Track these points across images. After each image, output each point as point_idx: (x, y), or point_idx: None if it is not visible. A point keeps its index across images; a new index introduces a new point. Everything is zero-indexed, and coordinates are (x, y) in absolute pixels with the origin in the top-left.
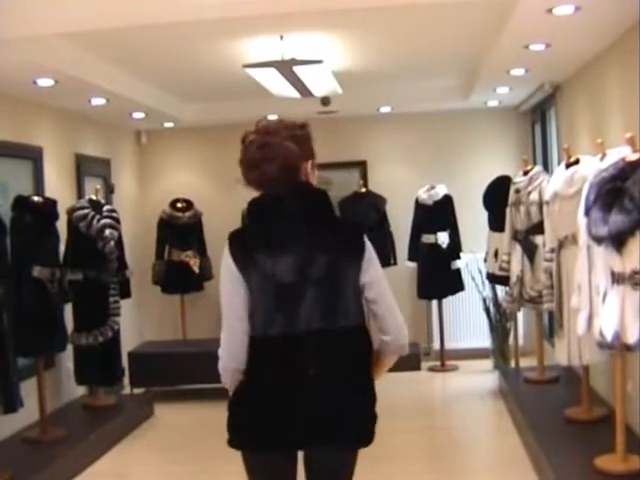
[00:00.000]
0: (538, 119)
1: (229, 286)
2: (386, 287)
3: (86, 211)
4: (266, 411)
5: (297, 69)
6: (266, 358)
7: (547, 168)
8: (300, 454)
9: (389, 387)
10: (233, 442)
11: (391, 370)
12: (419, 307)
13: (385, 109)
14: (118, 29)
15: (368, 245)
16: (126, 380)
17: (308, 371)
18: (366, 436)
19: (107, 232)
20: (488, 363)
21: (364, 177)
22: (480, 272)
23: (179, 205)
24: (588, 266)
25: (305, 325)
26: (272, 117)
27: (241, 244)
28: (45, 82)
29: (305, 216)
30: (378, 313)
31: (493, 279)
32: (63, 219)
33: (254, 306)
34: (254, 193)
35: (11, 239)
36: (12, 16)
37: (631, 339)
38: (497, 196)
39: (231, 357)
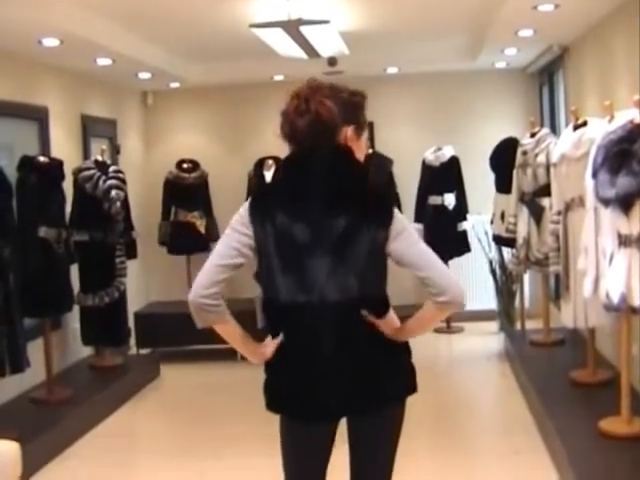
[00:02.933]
0: (546, 81)
1: (232, 235)
2: (424, 252)
3: (92, 172)
4: (295, 380)
5: (304, 29)
6: (287, 328)
7: (554, 130)
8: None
9: None
10: (271, 407)
11: None
12: None
13: (392, 70)
14: None
15: (397, 217)
16: (132, 341)
17: (323, 344)
18: (406, 389)
19: (113, 193)
20: (494, 325)
21: (371, 138)
22: (486, 234)
23: (185, 166)
24: (595, 229)
25: (320, 293)
26: (279, 77)
27: (263, 200)
28: (50, 42)
29: (333, 179)
30: (424, 277)
31: (499, 241)
32: (69, 180)
33: (267, 267)
34: (261, 154)
35: (17, 200)
36: None
37: (637, 301)
38: (504, 158)
39: (197, 287)
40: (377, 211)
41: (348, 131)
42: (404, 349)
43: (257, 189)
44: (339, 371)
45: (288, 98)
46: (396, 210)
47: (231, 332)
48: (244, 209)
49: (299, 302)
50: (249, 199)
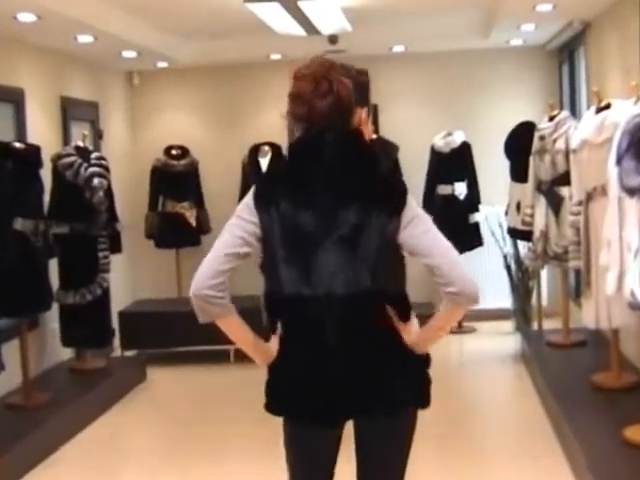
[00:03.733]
0: (566, 60)
1: (238, 224)
2: (437, 239)
3: (72, 159)
4: (297, 380)
5: (302, 4)
6: (289, 324)
7: (575, 113)
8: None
9: None
10: (270, 408)
11: None
12: None
13: (398, 48)
14: None
15: (410, 204)
16: (116, 342)
17: (330, 337)
18: (418, 400)
19: (96, 181)
20: (509, 325)
21: (375, 122)
22: (501, 226)
23: (174, 152)
24: (619, 220)
25: (326, 288)
26: (276, 56)
27: (268, 187)
28: (26, 17)
29: (343, 166)
30: (433, 266)
31: (515, 234)
32: (47, 167)
33: (271, 257)
34: (256, 140)
35: None
36: None
37: None
38: (520, 144)
39: (198, 280)
40: (388, 198)
41: (362, 113)
42: (421, 357)
43: (263, 175)
44: (345, 370)
45: (298, 78)
46: (409, 197)
47: (236, 329)
48: (249, 196)
49: (304, 295)
50: (254, 185)
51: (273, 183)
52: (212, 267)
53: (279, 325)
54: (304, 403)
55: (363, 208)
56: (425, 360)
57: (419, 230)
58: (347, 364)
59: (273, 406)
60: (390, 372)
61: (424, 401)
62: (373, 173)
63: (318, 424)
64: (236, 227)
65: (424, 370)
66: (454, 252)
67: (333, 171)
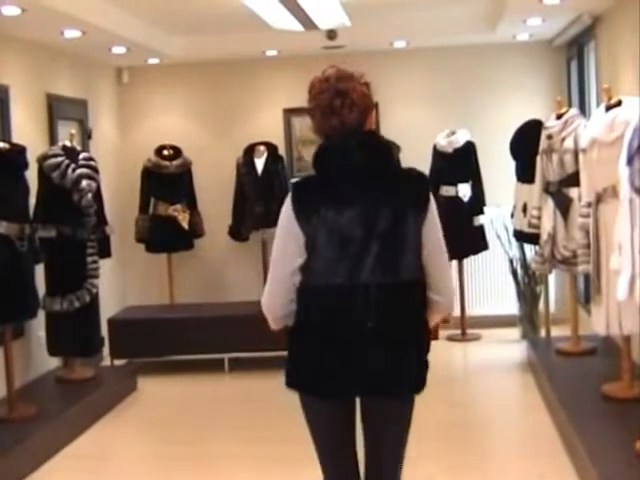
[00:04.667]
0: (575, 55)
1: (286, 236)
2: (442, 245)
3: (60, 159)
4: (324, 358)
5: None
6: (325, 307)
7: (584, 111)
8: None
9: None
10: (291, 384)
11: None
12: None
13: (399, 43)
14: None
15: (432, 197)
16: (106, 350)
17: (367, 323)
18: (419, 384)
19: (84, 183)
20: (515, 332)
21: (375, 121)
22: (506, 229)
23: (166, 153)
24: (630, 222)
25: (368, 277)
26: (272, 52)
27: (306, 195)
28: (10, 10)
29: (370, 168)
30: (431, 271)
31: (521, 237)
32: (33, 168)
33: (316, 257)
34: (251, 139)
35: None
36: None
37: None
38: (526, 143)
39: (279, 303)
40: (416, 194)
41: (373, 116)
42: (427, 345)
43: (296, 184)
44: (372, 352)
45: (322, 92)
46: (432, 200)
47: None
48: (287, 205)
49: (352, 286)
50: (290, 193)
51: (308, 191)
52: (283, 295)
53: (311, 312)
54: (323, 381)
55: (396, 205)
56: (428, 348)
57: (433, 228)
58: (376, 348)
59: (294, 383)
60: (406, 360)
61: (423, 386)
62: (396, 170)
63: (333, 397)
64: (287, 242)
65: (426, 358)
66: (447, 263)
67: (362, 172)
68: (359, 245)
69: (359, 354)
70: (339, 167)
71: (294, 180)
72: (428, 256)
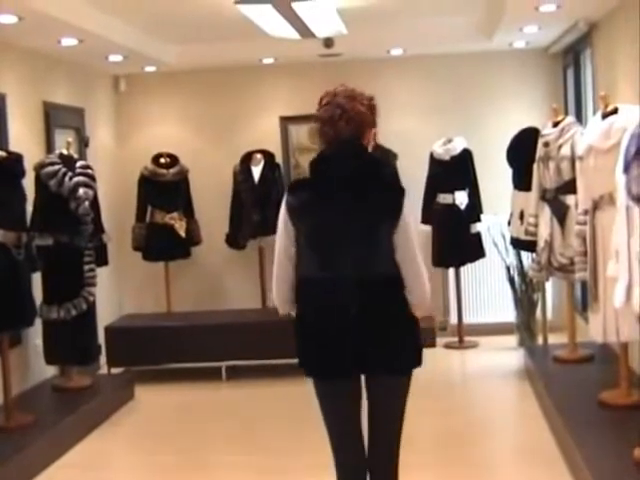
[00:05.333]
0: (571, 62)
1: (282, 230)
2: (414, 251)
3: (57, 167)
4: (325, 346)
5: (296, 6)
6: (312, 296)
7: (580, 118)
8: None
9: None
10: (304, 370)
11: None
12: (434, 276)
13: (396, 51)
14: None
15: (406, 209)
16: (103, 359)
17: (350, 310)
18: (413, 362)
19: (81, 191)
20: (512, 339)
21: (374, 127)
22: (503, 237)
23: (163, 160)
24: (627, 230)
25: (345, 270)
26: (268, 60)
27: (299, 194)
28: (7, 19)
29: (355, 176)
30: (403, 272)
31: (518, 244)
32: (30, 177)
33: (304, 250)
34: (248, 147)
35: None
36: None
37: None
38: (523, 150)
39: (280, 291)
40: (391, 202)
41: (371, 133)
42: (418, 326)
43: (290, 184)
44: (362, 336)
45: (326, 105)
46: (405, 202)
47: None
48: (283, 202)
49: (330, 277)
50: (285, 192)
51: (299, 191)
52: (286, 276)
53: (305, 301)
54: (329, 362)
55: (374, 210)
56: (418, 328)
57: (403, 237)
58: (365, 331)
59: (303, 365)
60: (399, 341)
61: (420, 362)
62: (378, 179)
63: (333, 378)
64: (282, 234)
65: (419, 337)
66: (420, 266)
67: (348, 178)
68: (337, 242)
69: (350, 337)
70: (328, 173)
71: (291, 181)
72: (400, 259)
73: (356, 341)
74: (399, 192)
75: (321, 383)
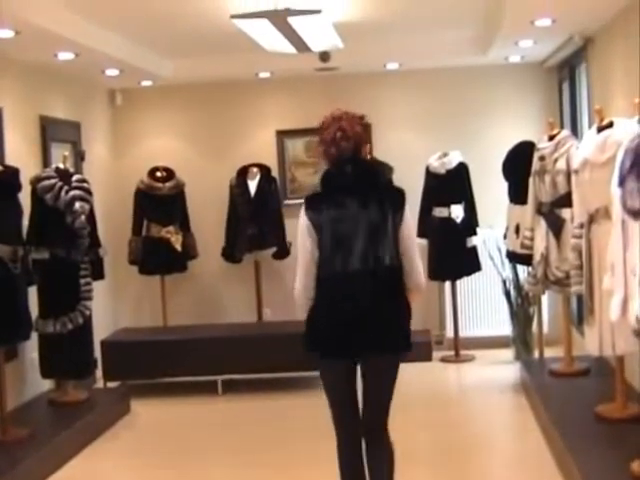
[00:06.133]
0: (566, 76)
1: (305, 235)
2: (413, 244)
3: (53, 181)
4: (332, 330)
5: (292, 20)
6: (330, 290)
7: (576, 132)
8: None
9: (398, 379)
10: (309, 348)
11: (401, 361)
12: (430, 290)
13: (392, 65)
14: None
15: (406, 209)
16: (99, 373)
17: (360, 300)
18: (403, 346)
19: (77, 205)
20: (508, 353)
21: (369, 144)
22: (499, 250)
23: (159, 174)
24: (623, 243)
25: (357, 265)
26: (264, 74)
27: (314, 204)
28: (4, 33)
29: (361, 185)
30: (404, 261)
31: (514, 258)
32: (26, 190)
33: (322, 252)
34: (244, 161)
35: None
36: None
37: None
38: (519, 164)
39: (307, 289)
40: (393, 201)
41: (367, 148)
42: (409, 317)
43: (308, 196)
44: (369, 322)
45: (327, 127)
46: (406, 200)
47: None
48: (302, 213)
49: (348, 271)
50: (304, 202)
51: (316, 201)
52: (309, 278)
53: (322, 292)
54: (333, 343)
55: (379, 209)
56: (409, 318)
57: (406, 232)
58: (368, 318)
59: (312, 347)
60: (397, 325)
61: (410, 347)
62: (379, 184)
63: (341, 357)
64: (305, 241)
65: (409, 324)
66: (417, 257)
67: (354, 187)
68: (351, 242)
69: (358, 324)
70: (338, 185)
71: (306, 194)
72: (403, 249)
73: (364, 325)
74: (400, 193)
75: (326, 362)
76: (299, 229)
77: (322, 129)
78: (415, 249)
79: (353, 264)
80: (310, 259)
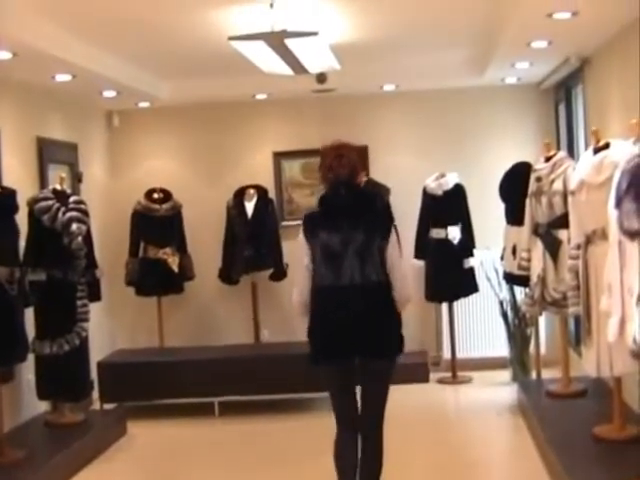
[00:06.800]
0: (563, 98)
1: (302, 249)
2: (398, 260)
3: (50, 202)
4: (330, 337)
5: (289, 42)
6: (323, 301)
7: (572, 153)
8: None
9: (393, 401)
10: (312, 361)
11: (397, 382)
12: (427, 311)
13: (389, 87)
14: None
15: (393, 231)
16: (95, 394)
17: (350, 311)
18: (396, 350)
19: (74, 226)
20: (506, 374)
21: (365, 164)
22: (496, 271)
23: (156, 196)
24: (620, 264)
25: (348, 279)
26: (261, 96)
27: (311, 222)
28: (1, 55)
29: (353, 207)
30: (392, 278)
31: (511, 279)
32: (23, 211)
33: (318, 265)
34: (241, 183)
35: None
36: None
37: None
38: (515, 185)
39: (303, 294)
40: (382, 226)
41: (362, 176)
42: (400, 324)
43: (306, 215)
44: (360, 330)
45: (327, 155)
46: (394, 225)
47: None
48: (301, 229)
49: (337, 285)
50: (303, 220)
51: (313, 220)
52: (305, 285)
53: (317, 303)
54: (332, 349)
55: (366, 232)
56: (400, 325)
57: (391, 250)
58: (360, 325)
59: (314, 358)
60: (387, 333)
61: (402, 350)
62: (370, 209)
63: (340, 360)
64: (302, 254)
65: (399, 331)
66: (404, 270)
67: (347, 210)
68: (341, 258)
69: (352, 332)
70: (333, 206)
71: (305, 213)
72: (389, 267)
73: (355, 332)
74: (388, 219)
75: (327, 364)
76: (298, 241)
77: (322, 156)
78: (401, 266)
79: (343, 280)
80: (306, 272)
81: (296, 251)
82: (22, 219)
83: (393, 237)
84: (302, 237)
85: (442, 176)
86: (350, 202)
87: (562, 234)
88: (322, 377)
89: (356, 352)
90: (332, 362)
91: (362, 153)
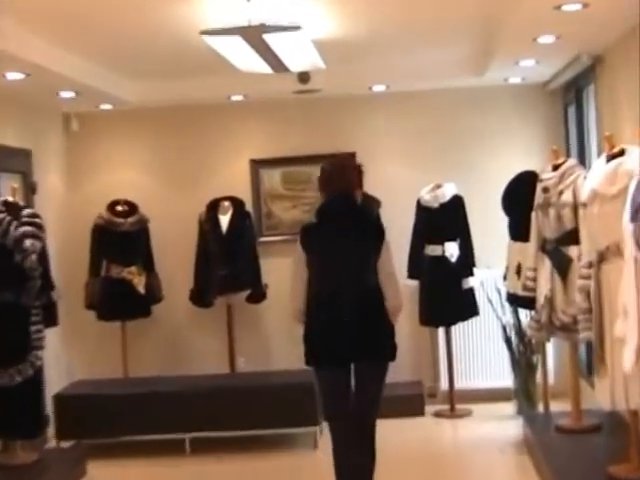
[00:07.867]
0: (572, 100)
1: (298, 257)
2: (392, 269)
3: (0, 216)
4: (325, 343)
5: (268, 37)
6: (319, 307)
7: (584, 161)
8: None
9: (386, 435)
10: (309, 363)
11: (389, 416)
12: (422, 336)
13: (379, 88)
14: None
15: (386, 241)
16: (51, 431)
17: (345, 316)
18: (389, 356)
19: (27, 242)
20: (510, 407)
21: (359, 181)
22: (499, 292)
23: (119, 208)
24: (636, 284)
25: (343, 288)
26: (237, 97)
27: (308, 232)
28: None
29: (349, 219)
30: (383, 286)
31: (515, 301)
32: None
33: (314, 273)
34: (214, 194)
35: None
36: None
37: None
38: (520, 197)
39: (298, 299)
40: (375, 238)
41: (359, 192)
42: (393, 331)
43: (303, 226)
44: (353, 335)
45: (326, 169)
46: (386, 237)
47: None
48: (298, 239)
49: (332, 291)
50: (300, 230)
51: (310, 230)
52: (300, 291)
53: (313, 310)
54: (328, 354)
55: (361, 243)
56: (393, 331)
57: (383, 259)
58: (355, 332)
59: (309, 360)
60: (380, 339)
61: (394, 357)
62: (365, 221)
63: (335, 366)
64: (298, 261)
65: (392, 338)
66: (395, 277)
67: (342, 221)
68: (336, 267)
69: (346, 338)
70: (329, 217)
71: (303, 223)
72: (382, 276)
73: (350, 338)
74: (381, 231)
75: (322, 368)
76: (295, 251)
77: (322, 170)
78: (393, 275)
79: (338, 288)
80: (300, 279)
81: (292, 255)
82: None
83: (386, 247)
84: (299, 246)
85: (438, 187)
86: (347, 213)
87: (572, 251)
88: (316, 378)
89: (351, 358)
90: (327, 367)
91: (360, 171)
